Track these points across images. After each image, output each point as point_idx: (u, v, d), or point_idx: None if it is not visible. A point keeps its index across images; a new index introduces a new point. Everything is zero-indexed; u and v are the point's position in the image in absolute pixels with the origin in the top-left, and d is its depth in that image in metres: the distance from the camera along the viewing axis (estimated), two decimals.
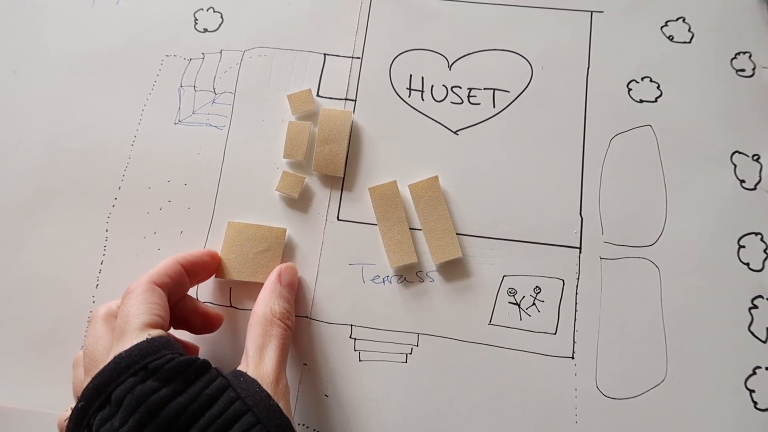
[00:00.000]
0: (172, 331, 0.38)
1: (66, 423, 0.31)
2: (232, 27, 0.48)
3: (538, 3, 0.46)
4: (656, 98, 0.44)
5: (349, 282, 0.41)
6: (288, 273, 0.39)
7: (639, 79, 0.44)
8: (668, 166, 0.42)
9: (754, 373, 0.38)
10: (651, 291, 0.40)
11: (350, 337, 0.40)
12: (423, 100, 0.45)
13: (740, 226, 0.41)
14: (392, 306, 0.41)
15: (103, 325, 0.34)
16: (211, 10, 0.48)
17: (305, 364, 0.40)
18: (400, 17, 0.47)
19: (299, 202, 0.43)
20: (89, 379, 0.31)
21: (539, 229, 0.42)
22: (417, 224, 0.42)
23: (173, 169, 0.44)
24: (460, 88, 0.45)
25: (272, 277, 0.39)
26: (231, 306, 0.41)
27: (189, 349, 0.39)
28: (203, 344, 0.40)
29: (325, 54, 0.46)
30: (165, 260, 0.37)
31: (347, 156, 0.44)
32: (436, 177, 0.42)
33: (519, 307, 0.40)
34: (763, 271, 0.40)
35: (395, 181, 0.42)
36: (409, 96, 0.45)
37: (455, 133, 0.44)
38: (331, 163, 0.43)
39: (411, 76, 0.46)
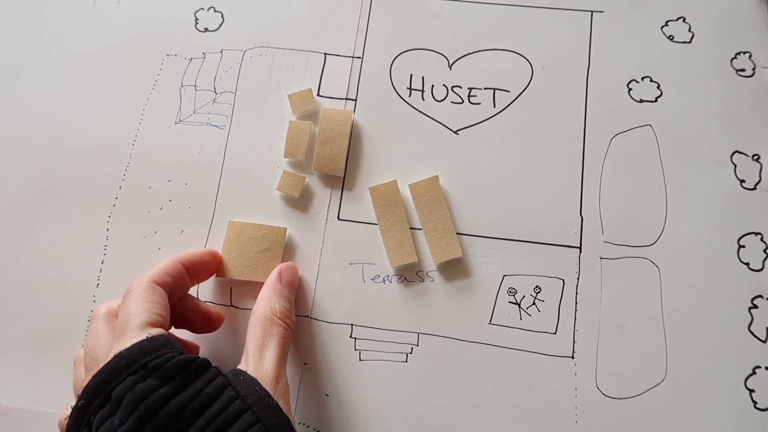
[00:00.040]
0: (173, 331, 0.38)
1: (66, 421, 0.31)
2: (232, 26, 0.48)
3: (539, 3, 0.46)
4: (656, 98, 0.44)
5: (350, 281, 0.41)
6: (288, 272, 0.39)
7: (639, 79, 0.44)
8: (668, 166, 0.42)
9: (754, 372, 0.38)
10: (651, 291, 0.40)
11: (350, 336, 0.40)
12: (423, 99, 0.45)
13: (740, 226, 0.41)
14: (392, 305, 0.41)
15: (104, 324, 0.34)
16: (212, 9, 0.48)
17: (306, 364, 0.40)
18: (400, 17, 0.47)
19: (300, 201, 0.43)
20: (90, 378, 0.31)
21: (539, 229, 0.42)
22: (417, 224, 0.42)
23: (174, 168, 0.44)
24: (461, 87, 0.45)
25: (273, 276, 0.39)
26: (231, 305, 0.41)
27: (189, 348, 0.39)
28: (204, 343, 0.40)
29: (325, 54, 0.46)
30: (166, 259, 0.37)
31: (348, 155, 0.44)
32: (437, 177, 0.42)
33: (519, 307, 0.40)
34: (762, 271, 0.40)
35: (395, 181, 0.42)
36: (409, 96, 0.45)
37: (455, 132, 0.44)
38: (332, 163, 0.43)
39: (411, 75, 0.46)
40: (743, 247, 0.40)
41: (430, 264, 0.41)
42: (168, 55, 0.47)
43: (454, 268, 0.41)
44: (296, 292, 0.40)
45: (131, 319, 0.32)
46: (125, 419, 0.29)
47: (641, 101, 0.44)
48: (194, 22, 0.48)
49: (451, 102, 0.45)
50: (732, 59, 0.44)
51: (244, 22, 0.48)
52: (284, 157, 0.44)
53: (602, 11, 0.46)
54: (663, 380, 0.38)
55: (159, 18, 0.48)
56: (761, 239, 0.41)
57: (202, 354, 0.40)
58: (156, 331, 0.32)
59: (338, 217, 0.43)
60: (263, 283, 0.39)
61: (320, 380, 0.40)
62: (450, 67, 0.46)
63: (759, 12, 0.45)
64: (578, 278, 0.40)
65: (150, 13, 0.49)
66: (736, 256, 0.40)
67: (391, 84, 0.45)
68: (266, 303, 0.37)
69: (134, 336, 0.31)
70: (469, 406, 0.39)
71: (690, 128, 0.43)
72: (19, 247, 0.43)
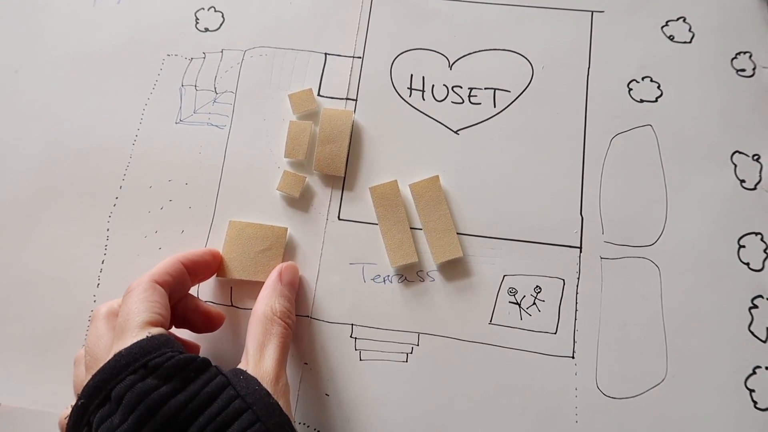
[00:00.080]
0: (174, 330, 0.38)
1: (66, 421, 0.31)
2: (233, 26, 0.48)
3: (539, 3, 0.46)
4: (657, 98, 0.44)
5: (350, 281, 0.41)
6: (289, 272, 0.39)
7: (639, 79, 0.44)
8: (668, 166, 0.42)
9: (754, 372, 0.38)
10: (651, 290, 0.40)
11: (351, 336, 0.40)
12: (424, 99, 0.45)
13: (740, 226, 0.41)
14: (393, 305, 0.41)
15: (105, 323, 0.34)
16: (212, 9, 0.48)
17: (306, 363, 0.40)
18: (401, 17, 0.47)
19: (300, 201, 0.43)
20: (90, 377, 0.31)
21: (540, 229, 0.42)
22: (418, 224, 0.42)
23: (174, 168, 0.44)
24: (461, 87, 0.45)
25: (273, 276, 0.39)
26: (232, 305, 0.41)
27: (190, 347, 0.39)
28: (204, 343, 0.40)
29: (326, 53, 0.46)
30: (166, 259, 0.37)
31: (348, 155, 0.44)
32: (437, 176, 0.42)
33: (519, 307, 0.40)
34: (763, 271, 0.40)
35: (396, 181, 0.42)
36: (409, 96, 0.45)
37: (456, 132, 0.44)
38: (332, 163, 0.43)
39: (412, 75, 0.46)
40: (743, 247, 0.40)
41: (431, 264, 0.41)
42: (168, 55, 0.47)
43: (455, 268, 0.41)
44: (297, 292, 0.40)
45: (131, 319, 0.32)
46: (125, 418, 0.29)
47: (641, 101, 0.44)
48: (195, 22, 0.48)
49: (452, 102, 0.45)
50: (732, 59, 0.44)
51: (245, 22, 0.48)
52: (285, 157, 0.44)
53: (602, 11, 0.46)
54: (663, 380, 0.38)
55: (159, 18, 0.48)
56: (761, 239, 0.41)
57: (202, 353, 0.40)
58: (156, 331, 0.32)
59: (339, 216, 0.43)
60: (264, 282, 0.39)
61: (320, 380, 0.40)
62: (450, 67, 0.46)
63: (759, 12, 0.45)
64: (578, 278, 0.40)
65: (150, 12, 0.49)
66: (737, 256, 0.40)
67: (392, 84, 0.46)
68: (266, 302, 0.37)
69: (134, 335, 0.31)
70: (469, 405, 0.39)
71: (690, 128, 0.43)
72: (20, 247, 0.43)
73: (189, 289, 0.38)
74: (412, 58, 0.46)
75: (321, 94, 0.46)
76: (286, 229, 0.42)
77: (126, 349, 0.31)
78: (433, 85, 0.45)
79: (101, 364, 0.31)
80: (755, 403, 0.38)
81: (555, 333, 0.40)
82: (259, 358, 0.33)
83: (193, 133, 0.45)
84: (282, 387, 0.33)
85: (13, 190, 0.45)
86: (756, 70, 0.44)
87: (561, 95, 0.44)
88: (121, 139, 0.45)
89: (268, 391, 0.31)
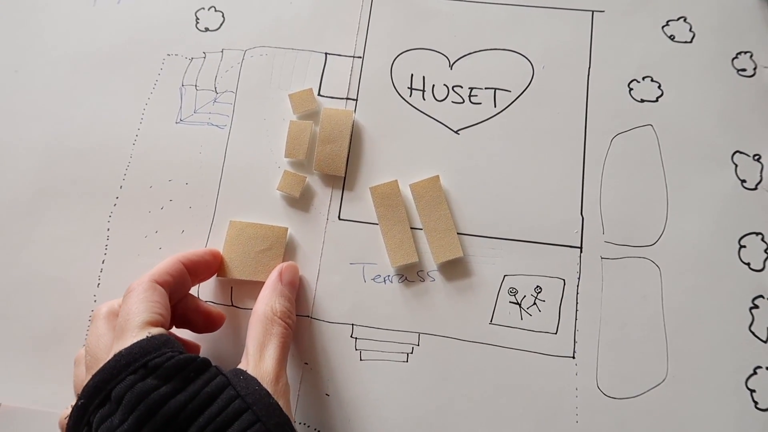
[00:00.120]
0: (174, 330, 0.38)
1: (66, 421, 0.31)
2: (233, 26, 0.48)
3: (539, 2, 0.46)
4: (657, 98, 0.44)
5: (350, 281, 0.41)
6: (289, 272, 0.39)
7: (640, 79, 0.44)
8: (669, 166, 0.42)
9: (755, 372, 0.38)
10: (652, 291, 0.40)
11: (351, 336, 0.40)
12: (424, 99, 0.45)
13: (741, 226, 0.41)
14: (393, 305, 0.41)
15: (105, 323, 0.34)
16: (213, 9, 0.48)
17: (306, 363, 0.40)
18: (401, 16, 0.47)
19: (300, 201, 0.43)
20: (90, 377, 0.31)
21: (540, 229, 0.42)
22: (418, 224, 0.42)
23: (174, 168, 0.44)
24: (461, 87, 0.45)
25: (273, 275, 0.39)
26: (232, 305, 0.41)
27: (190, 347, 0.39)
28: (204, 343, 0.40)
29: (326, 53, 0.46)
30: (167, 259, 0.37)
31: (348, 155, 0.44)
32: (437, 176, 0.42)
33: (520, 307, 0.40)
34: (763, 271, 0.40)
35: (396, 181, 0.42)
36: (410, 95, 0.45)
37: (456, 132, 0.44)
38: (332, 163, 0.43)
39: (412, 75, 0.46)
40: (744, 247, 0.40)
41: (431, 264, 0.41)
42: (169, 55, 0.47)
43: (455, 268, 0.41)
44: (297, 292, 0.40)
45: (131, 319, 0.32)
46: (125, 418, 0.29)
47: (642, 101, 0.44)
48: (195, 22, 0.48)
49: (452, 102, 0.45)
50: (733, 59, 0.44)
51: (245, 22, 0.48)
52: (285, 156, 0.44)
53: (603, 11, 0.46)
54: (664, 380, 0.38)
55: (159, 17, 0.48)
56: (762, 239, 0.41)
57: (202, 353, 0.40)
58: (156, 331, 0.32)
59: (339, 216, 0.43)
60: (264, 282, 0.39)
61: (321, 380, 0.40)
62: (451, 66, 0.46)
63: (760, 12, 0.45)
64: (579, 278, 0.40)
65: (150, 12, 0.49)
66: (737, 256, 0.40)
67: (392, 84, 0.45)
68: (267, 302, 0.37)
69: (134, 335, 0.31)
70: (469, 406, 0.39)
71: (691, 128, 0.43)
72: (20, 247, 0.43)
73: (189, 289, 0.38)
74: (413, 58, 0.46)
75: (321, 93, 0.45)
76: (286, 229, 0.42)
77: (126, 349, 0.31)
78: (433, 85, 0.45)
79: (101, 364, 0.31)
80: (756, 403, 0.38)
81: (555, 333, 0.40)
82: (259, 358, 0.33)
83: (193, 133, 0.45)
84: (282, 387, 0.33)
85: (13, 190, 0.45)
86: (757, 70, 0.44)
87: (561, 95, 0.44)
88: (121, 139, 0.45)
89: (268, 392, 0.31)
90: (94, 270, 0.43)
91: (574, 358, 0.39)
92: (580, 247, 0.41)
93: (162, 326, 0.33)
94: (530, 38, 0.46)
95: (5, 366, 0.41)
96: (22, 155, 0.45)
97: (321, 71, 0.46)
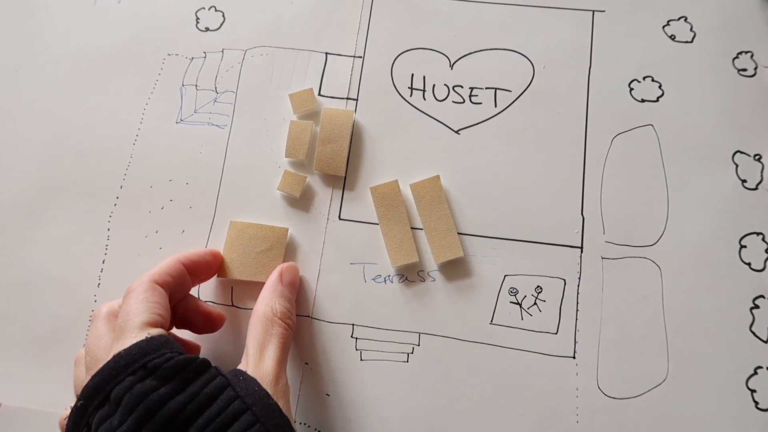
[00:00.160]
0: (175, 331, 0.38)
1: (66, 421, 0.31)
2: (233, 26, 0.48)
3: (540, 2, 0.46)
4: (658, 98, 0.44)
5: (351, 281, 0.41)
6: (289, 272, 0.39)
7: (641, 79, 0.44)
8: (670, 166, 0.42)
9: (756, 373, 0.38)
10: (652, 291, 0.40)
11: (351, 336, 0.40)
12: (425, 99, 0.45)
13: (741, 226, 0.41)
14: (393, 305, 0.41)
15: (105, 323, 0.34)
16: (213, 9, 0.48)
17: (307, 364, 0.40)
18: (401, 16, 0.47)
19: (301, 201, 0.43)
20: (89, 378, 0.31)
21: (541, 229, 0.41)
22: (418, 224, 0.42)
23: (175, 168, 0.44)
24: (462, 87, 0.45)
25: (273, 276, 0.39)
26: (233, 305, 0.41)
27: (190, 348, 0.39)
28: (205, 343, 0.40)
29: (326, 53, 0.46)
30: (167, 259, 0.37)
31: (349, 155, 0.44)
32: (438, 176, 0.42)
33: (520, 307, 0.40)
34: (764, 271, 0.40)
35: (397, 181, 0.42)
36: (410, 95, 0.45)
37: (457, 132, 0.44)
38: (333, 163, 0.43)
39: (413, 75, 0.46)
40: (745, 247, 0.40)
41: (431, 264, 0.41)
42: (169, 55, 0.47)
43: (456, 268, 0.41)
44: (297, 292, 0.40)
45: (131, 319, 0.32)
46: (124, 419, 0.29)
47: (643, 101, 0.44)
48: (195, 22, 0.48)
49: (453, 102, 0.45)
50: (734, 59, 0.44)
51: (245, 22, 0.48)
52: (285, 156, 0.44)
53: (603, 11, 0.46)
54: (664, 380, 0.38)
55: (160, 17, 0.48)
56: (763, 239, 0.41)
57: (203, 354, 0.40)
58: (156, 332, 0.32)
59: (339, 216, 0.43)
60: (264, 283, 0.39)
61: (321, 380, 0.40)
62: (451, 66, 0.45)
63: (761, 12, 0.45)
64: (579, 278, 0.40)
65: (151, 12, 0.49)
66: (738, 256, 0.40)
67: (393, 84, 0.45)
68: (267, 303, 0.37)
69: (134, 336, 0.31)
70: (470, 406, 0.39)
71: (691, 128, 0.43)
72: (20, 247, 0.43)
73: (189, 290, 0.38)
74: (413, 58, 0.46)
75: (322, 93, 0.45)
76: (287, 229, 0.42)
77: (125, 350, 0.31)
78: (433, 85, 0.45)
79: (101, 365, 0.31)
80: (756, 403, 0.38)
81: (556, 333, 0.40)
82: (258, 359, 0.33)
83: (193, 133, 0.45)
84: (282, 388, 0.33)
85: (13, 189, 0.45)
86: (757, 70, 0.44)
87: (562, 95, 0.44)
88: (121, 139, 0.45)
89: (267, 392, 0.31)
90: (94, 270, 0.43)
91: (574, 358, 0.39)
92: (581, 247, 0.41)
93: (162, 327, 0.33)
94: (531, 38, 0.46)
95: (5, 366, 0.41)
96: (22, 155, 0.45)
97: (321, 71, 0.46)
